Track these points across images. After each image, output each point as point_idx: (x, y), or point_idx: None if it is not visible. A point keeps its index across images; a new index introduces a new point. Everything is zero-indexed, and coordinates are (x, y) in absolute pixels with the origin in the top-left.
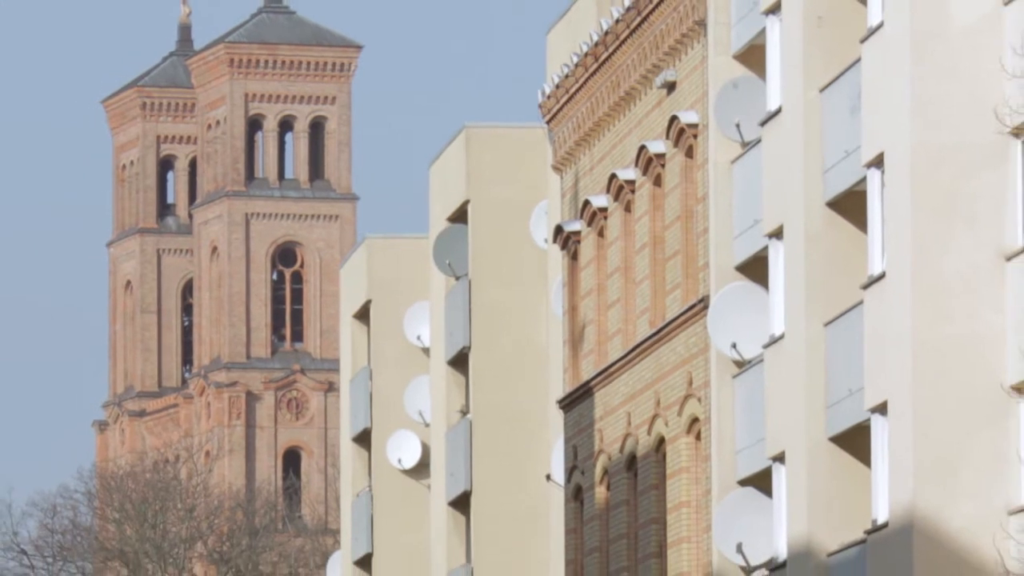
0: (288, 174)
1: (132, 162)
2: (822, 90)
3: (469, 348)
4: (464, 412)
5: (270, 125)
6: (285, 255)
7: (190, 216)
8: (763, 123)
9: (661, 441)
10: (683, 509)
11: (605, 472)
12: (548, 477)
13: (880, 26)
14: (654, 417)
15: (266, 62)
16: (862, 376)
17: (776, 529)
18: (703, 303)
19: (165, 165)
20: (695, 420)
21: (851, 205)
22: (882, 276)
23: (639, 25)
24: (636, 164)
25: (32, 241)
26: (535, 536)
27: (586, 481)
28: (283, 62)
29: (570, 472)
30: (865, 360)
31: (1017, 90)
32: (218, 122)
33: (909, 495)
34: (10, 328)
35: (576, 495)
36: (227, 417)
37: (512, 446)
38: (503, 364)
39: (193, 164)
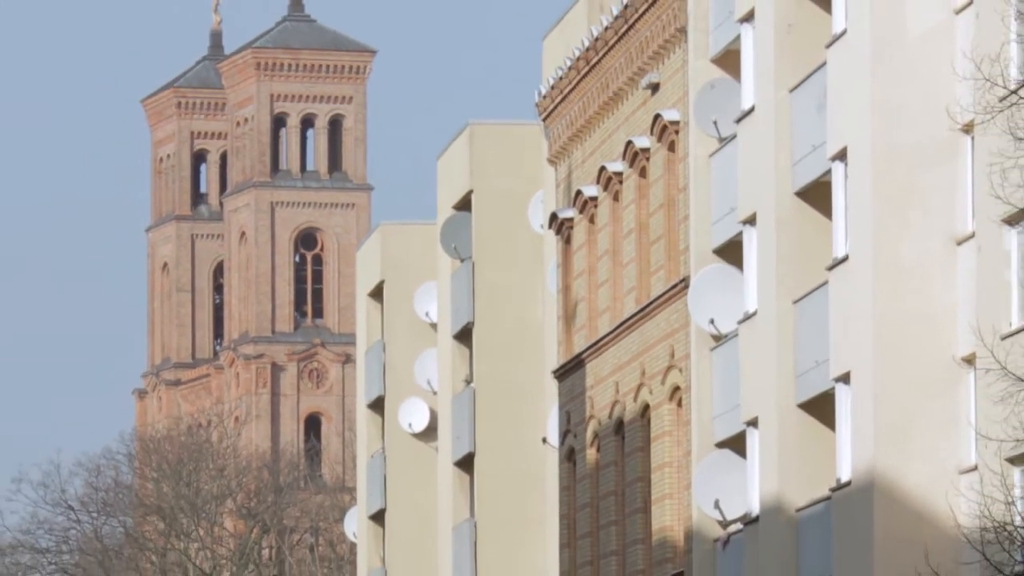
0: (309, 166)
1: (168, 155)
2: (791, 91)
3: (473, 323)
4: (468, 381)
5: (293, 122)
6: (307, 239)
7: (221, 204)
8: (738, 121)
9: (646, 408)
10: (666, 469)
11: (595, 436)
12: (544, 440)
13: (843, 33)
14: (639, 386)
15: (289, 65)
16: (827, 349)
17: (750, 487)
18: (684, 283)
19: (198, 158)
20: (676, 389)
21: (817, 195)
22: (845, 259)
23: (626, 32)
24: (623, 157)
25: (78, 227)
26: (532, 493)
27: (578, 444)
28: (305, 65)
29: (564, 435)
30: (830, 334)
31: (967, 91)
32: (246, 119)
33: (869, 456)
34: (59, 307)
35: (569, 456)
36: (254, 386)
37: (511, 412)
38: (503, 338)
39: (224, 157)
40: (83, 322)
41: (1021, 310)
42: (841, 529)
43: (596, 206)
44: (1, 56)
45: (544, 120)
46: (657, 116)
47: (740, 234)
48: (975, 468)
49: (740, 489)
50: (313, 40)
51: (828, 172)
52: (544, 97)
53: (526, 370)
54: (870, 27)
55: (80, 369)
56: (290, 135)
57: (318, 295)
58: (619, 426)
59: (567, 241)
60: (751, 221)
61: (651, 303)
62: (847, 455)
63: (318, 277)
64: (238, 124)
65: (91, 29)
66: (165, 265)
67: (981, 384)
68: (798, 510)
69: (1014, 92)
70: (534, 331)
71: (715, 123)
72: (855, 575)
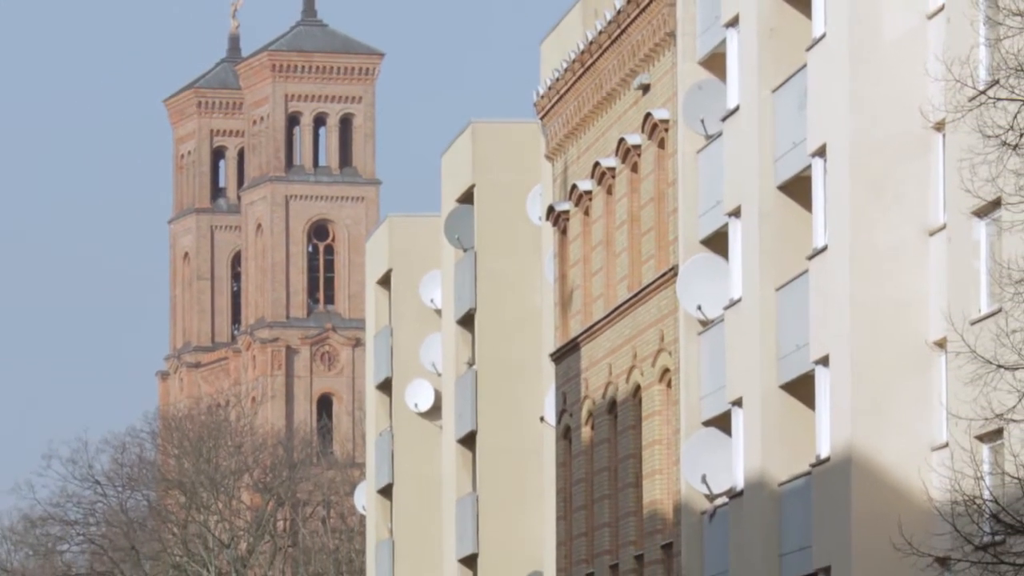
0: (321, 162)
1: (189, 152)
2: (774, 91)
3: (475, 309)
4: (470, 364)
5: (306, 120)
6: (319, 231)
7: (238, 198)
8: (724, 119)
9: (637, 388)
10: (656, 446)
11: (590, 415)
12: (542, 419)
13: (823, 37)
14: (631, 368)
15: (303, 67)
16: (808, 333)
17: (735, 463)
18: (673, 271)
19: (217, 154)
20: (666, 370)
21: (798, 188)
22: (824, 249)
23: (618, 36)
24: (616, 154)
25: (105, 220)
26: (531, 469)
27: (574, 422)
28: (317, 67)
29: (560, 415)
30: (810, 320)
31: (939, 92)
32: (262, 118)
33: (847, 434)
34: (86, 294)
35: (565, 434)
36: (270, 368)
37: (511, 392)
38: (503, 323)
39: (241, 153)
40: (109, 308)
41: (989, 297)
42: (821, 502)
43: (591, 199)
44: (34, 60)
45: (542, 119)
46: (648, 115)
47: (726, 225)
48: (946, 445)
49: (726, 465)
50: (325, 43)
51: (808, 167)
52: (542, 97)
53: (525, 353)
54: (848, 31)
55: (106, 352)
56: (303, 133)
57: (329, 283)
58: (612, 406)
59: (563, 232)
60: (736, 213)
61: (642, 290)
62: (826, 433)
63: (329, 266)
64: (254, 122)
65: (117, 33)
66: (186, 255)
67: (952, 366)
68: (780, 484)
69: (983, 92)
70: (532, 316)
71: (702, 121)
72: (834, 545)
